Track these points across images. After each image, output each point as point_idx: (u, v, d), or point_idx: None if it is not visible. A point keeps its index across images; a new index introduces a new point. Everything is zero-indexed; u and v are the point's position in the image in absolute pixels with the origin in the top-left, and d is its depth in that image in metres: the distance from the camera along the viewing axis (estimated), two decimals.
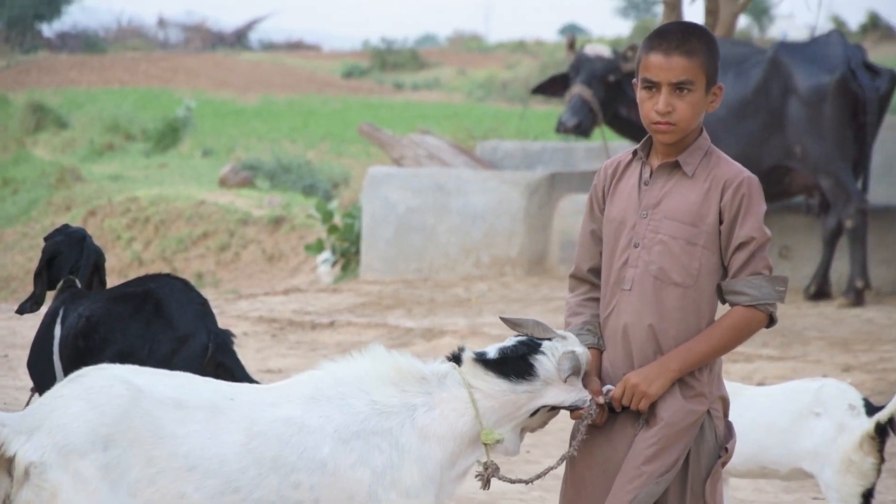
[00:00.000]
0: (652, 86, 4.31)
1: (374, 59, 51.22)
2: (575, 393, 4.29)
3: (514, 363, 4.28)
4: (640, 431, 4.30)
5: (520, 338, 4.35)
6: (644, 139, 4.45)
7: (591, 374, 4.35)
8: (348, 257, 17.60)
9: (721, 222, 4.30)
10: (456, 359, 4.33)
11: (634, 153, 4.46)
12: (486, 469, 4.30)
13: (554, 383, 4.27)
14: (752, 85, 13.25)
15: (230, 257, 21.32)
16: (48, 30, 54.71)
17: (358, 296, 14.76)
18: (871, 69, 13.16)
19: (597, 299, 4.47)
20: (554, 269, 15.21)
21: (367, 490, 4.13)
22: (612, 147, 15.84)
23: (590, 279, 4.50)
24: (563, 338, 4.33)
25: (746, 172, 4.34)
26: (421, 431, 4.21)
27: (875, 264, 13.39)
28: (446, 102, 37.88)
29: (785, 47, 13.49)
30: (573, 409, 4.30)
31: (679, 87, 4.28)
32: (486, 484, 4.32)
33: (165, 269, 19.38)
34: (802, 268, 13.74)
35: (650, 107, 4.32)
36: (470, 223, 15.64)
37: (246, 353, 10.97)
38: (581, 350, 4.30)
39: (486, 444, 4.27)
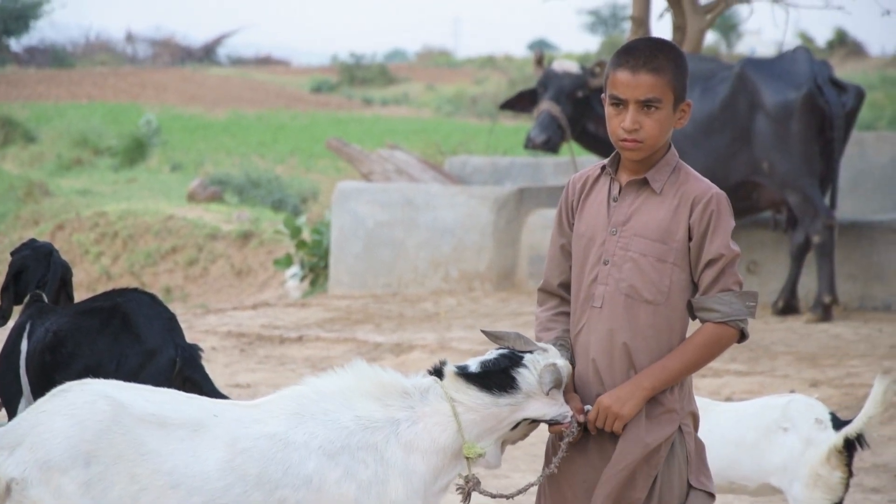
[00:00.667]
0: (619, 103, 4.30)
1: (342, 74, 51.32)
2: (556, 406, 4.29)
3: (496, 376, 4.27)
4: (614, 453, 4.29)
5: (501, 351, 4.34)
6: (612, 155, 4.43)
7: (571, 391, 4.35)
8: (317, 272, 17.58)
9: (690, 239, 4.29)
10: (438, 372, 4.32)
11: (603, 168, 4.44)
12: (467, 483, 4.30)
13: (536, 396, 4.27)
14: (720, 100, 13.27)
15: (199, 272, 21.27)
16: (16, 44, 54.61)
17: (326, 310, 14.73)
18: (838, 85, 13.20)
19: (567, 314, 4.45)
20: (523, 284, 15.22)
21: None
22: (580, 162, 15.86)
23: (560, 293, 4.49)
24: (545, 350, 4.32)
25: (715, 189, 4.33)
26: (405, 446, 4.20)
27: (842, 279, 13.43)
28: (415, 117, 37.95)
29: (752, 63, 13.53)
30: (554, 423, 4.30)
31: (646, 105, 4.27)
32: (466, 497, 4.32)
33: (133, 284, 19.30)
34: (770, 283, 13.77)
35: (617, 123, 4.31)
36: (439, 238, 15.63)
37: (214, 368, 10.94)
38: (562, 363, 4.29)
39: (468, 458, 4.26)
